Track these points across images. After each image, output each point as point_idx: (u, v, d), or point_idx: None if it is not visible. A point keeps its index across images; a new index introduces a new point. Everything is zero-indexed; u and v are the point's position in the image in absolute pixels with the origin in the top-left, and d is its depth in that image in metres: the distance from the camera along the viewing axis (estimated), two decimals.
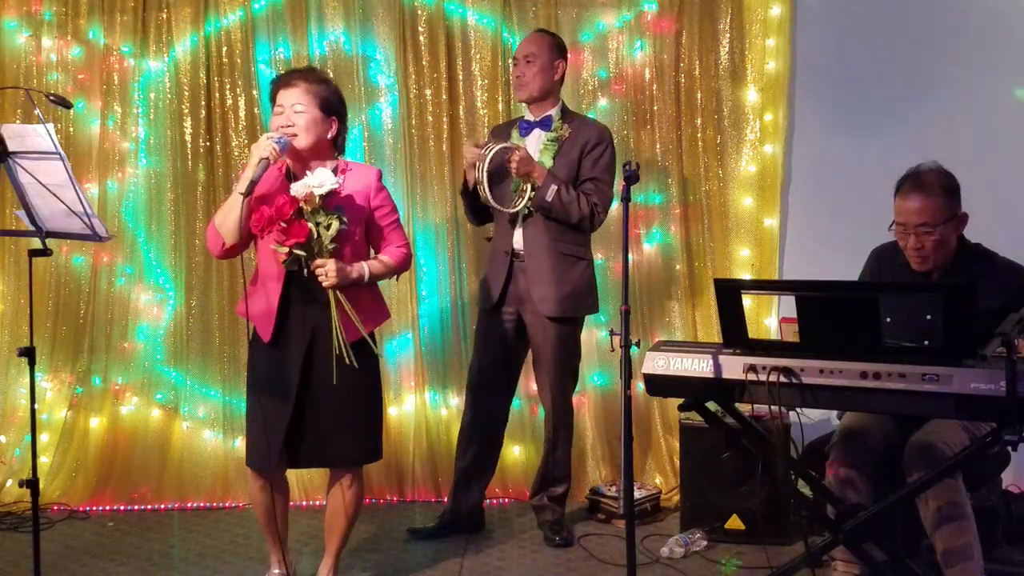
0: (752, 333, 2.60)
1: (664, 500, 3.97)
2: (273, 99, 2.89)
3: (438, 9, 4.14)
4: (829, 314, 2.43)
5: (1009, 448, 2.71)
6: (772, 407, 2.40)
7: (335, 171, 2.81)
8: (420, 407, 4.18)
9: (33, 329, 2.98)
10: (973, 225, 2.88)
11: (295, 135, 2.80)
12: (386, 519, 3.89)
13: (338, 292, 2.77)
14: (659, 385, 2.62)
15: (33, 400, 2.88)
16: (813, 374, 2.39)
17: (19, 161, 2.66)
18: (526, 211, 3.46)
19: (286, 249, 2.70)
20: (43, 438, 4.11)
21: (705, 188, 4.16)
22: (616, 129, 4.03)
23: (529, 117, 3.59)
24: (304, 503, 4.06)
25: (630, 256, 3.16)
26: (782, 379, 2.40)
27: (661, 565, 3.35)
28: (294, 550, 3.29)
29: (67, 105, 2.84)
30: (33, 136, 2.60)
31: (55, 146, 2.59)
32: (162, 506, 4.09)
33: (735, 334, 2.52)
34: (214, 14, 4.14)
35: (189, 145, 4.17)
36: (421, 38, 4.15)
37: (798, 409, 2.53)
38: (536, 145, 3.53)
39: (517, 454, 4.15)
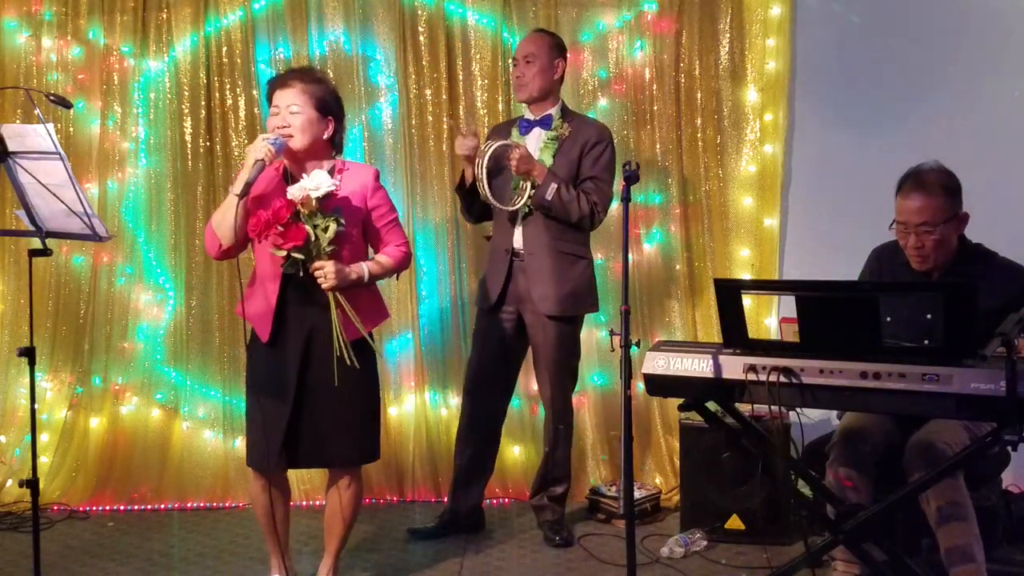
0: (752, 333, 2.60)
1: (664, 500, 3.97)
2: (269, 99, 2.88)
3: (438, 9, 4.14)
4: (829, 314, 2.43)
5: (1009, 448, 2.71)
6: (772, 407, 2.40)
7: (332, 171, 2.81)
8: (420, 407, 4.18)
9: (33, 329, 2.98)
10: (973, 225, 2.88)
11: (291, 136, 2.79)
12: (386, 519, 3.89)
13: (337, 293, 2.77)
14: (659, 385, 2.62)
15: (33, 400, 2.89)
16: (813, 374, 2.39)
17: (19, 161, 2.66)
18: (526, 209, 3.46)
19: (284, 252, 2.70)
20: (43, 438, 4.11)
21: (705, 188, 4.16)
22: (616, 129, 4.02)
23: (529, 116, 3.59)
24: (304, 503, 4.06)
25: (630, 256, 3.15)
26: (782, 379, 2.40)
27: (661, 565, 3.35)
28: (294, 550, 3.28)
29: (67, 105, 2.84)
30: (33, 136, 2.60)
31: (55, 146, 2.59)
32: (162, 506, 4.09)
33: (735, 334, 2.52)
34: (214, 14, 4.14)
35: (189, 145, 4.17)
36: (421, 38, 4.15)
37: (798, 409, 2.53)
38: (536, 144, 3.53)
39: (517, 454, 4.15)
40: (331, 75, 4.03)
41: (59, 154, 2.60)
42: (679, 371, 2.55)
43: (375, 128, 4.21)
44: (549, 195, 3.38)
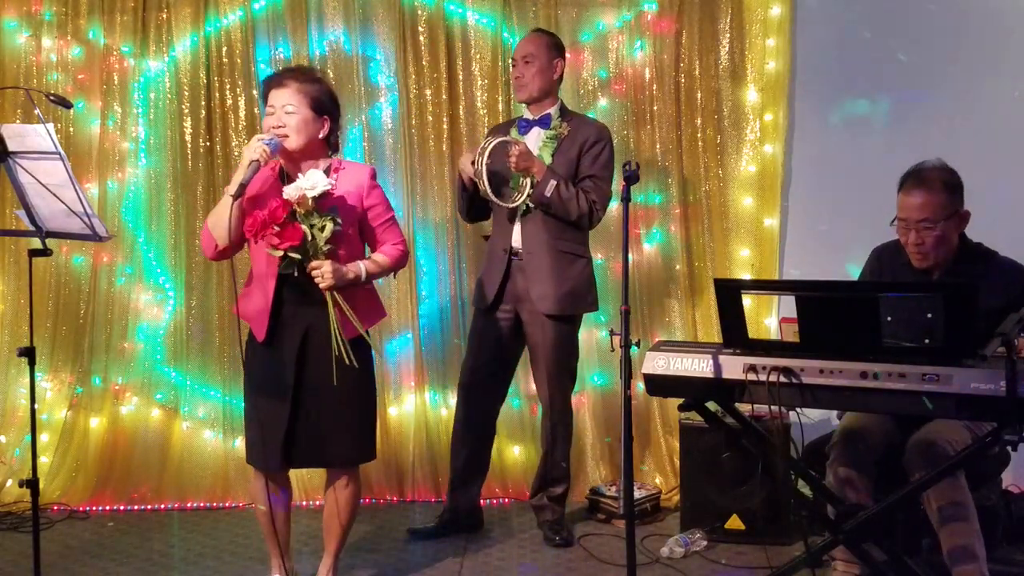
0: (752, 333, 2.60)
1: (664, 500, 3.96)
2: (265, 99, 2.87)
3: (438, 9, 4.14)
4: (829, 314, 2.43)
5: (1009, 448, 2.71)
6: (772, 407, 2.40)
7: (328, 171, 2.80)
8: (420, 407, 4.18)
9: (33, 329, 2.98)
10: (973, 224, 2.88)
11: (286, 136, 2.78)
12: (386, 519, 3.89)
13: (335, 292, 2.77)
14: (659, 385, 2.62)
15: (33, 400, 2.88)
16: (813, 374, 2.39)
17: (19, 161, 2.66)
18: (525, 207, 3.46)
19: (281, 252, 2.69)
20: (43, 438, 4.11)
21: (705, 188, 4.16)
22: (616, 129, 4.03)
23: (528, 116, 3.59)
24: (304, 503, 4.05)
25: (630, 256, 3.15)
26: (782, 379, 2.40)
27: (661, 565, 3.35)
28: (294, 550, 3.28)
29: (67, 105, 2.84)
30: (33, 136, 2.60)
31: (55, 146, 2.58)
32: (162, 506, 4.09)
33: (735, 334, 2.52)
34: (214, 14, 4.15)
35: (189, 145, 4.17)
36: (421, 38, 4.15)
37: (798, 409, 2.53)
38: (535, 143, 3.52)
39: (517, 454, 4.15)
40: (331, 75, 4.05)
41: (59, 154, 2.60)
42: (679, 371, 2.55)
43: (375, 128, 4.21)
44: (548, 191, 3.38)
